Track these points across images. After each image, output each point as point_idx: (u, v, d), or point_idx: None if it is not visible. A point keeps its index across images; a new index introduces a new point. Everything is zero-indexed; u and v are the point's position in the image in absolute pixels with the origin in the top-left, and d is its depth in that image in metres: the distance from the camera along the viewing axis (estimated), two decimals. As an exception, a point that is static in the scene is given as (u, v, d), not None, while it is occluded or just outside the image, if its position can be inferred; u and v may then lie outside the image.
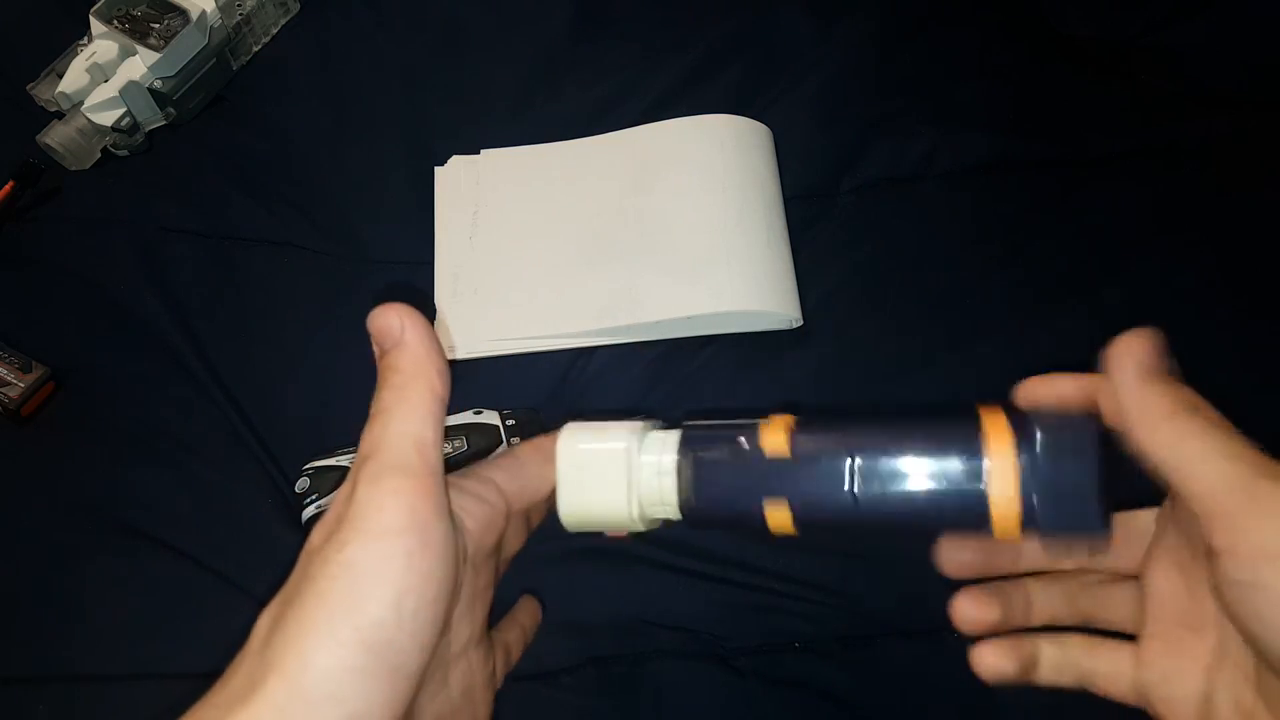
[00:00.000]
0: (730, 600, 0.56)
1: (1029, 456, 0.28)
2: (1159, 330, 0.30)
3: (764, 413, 0.33)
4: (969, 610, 0.32)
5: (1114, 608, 0.33)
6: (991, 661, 0.31)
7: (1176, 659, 0.30)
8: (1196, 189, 0.69)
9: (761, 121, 0.70)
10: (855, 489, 0.30)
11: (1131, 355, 0.29)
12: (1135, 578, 0.32)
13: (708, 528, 0.33)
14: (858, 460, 0.30)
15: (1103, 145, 0.71)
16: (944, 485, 0.29)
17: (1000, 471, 0.28)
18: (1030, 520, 0.28)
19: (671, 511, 0.31)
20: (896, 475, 0.29)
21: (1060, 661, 0.33)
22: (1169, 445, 0.27)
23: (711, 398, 0.62)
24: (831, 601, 0.55)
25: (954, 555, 0.33)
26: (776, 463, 0.30)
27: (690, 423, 0.32)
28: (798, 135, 0.71)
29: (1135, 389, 0.28)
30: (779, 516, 0.30)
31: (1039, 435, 0.28)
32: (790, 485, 0.30)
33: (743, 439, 0.31)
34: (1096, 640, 0.33)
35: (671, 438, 0.32)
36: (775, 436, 0.31)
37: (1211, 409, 0.28)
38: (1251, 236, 0.67)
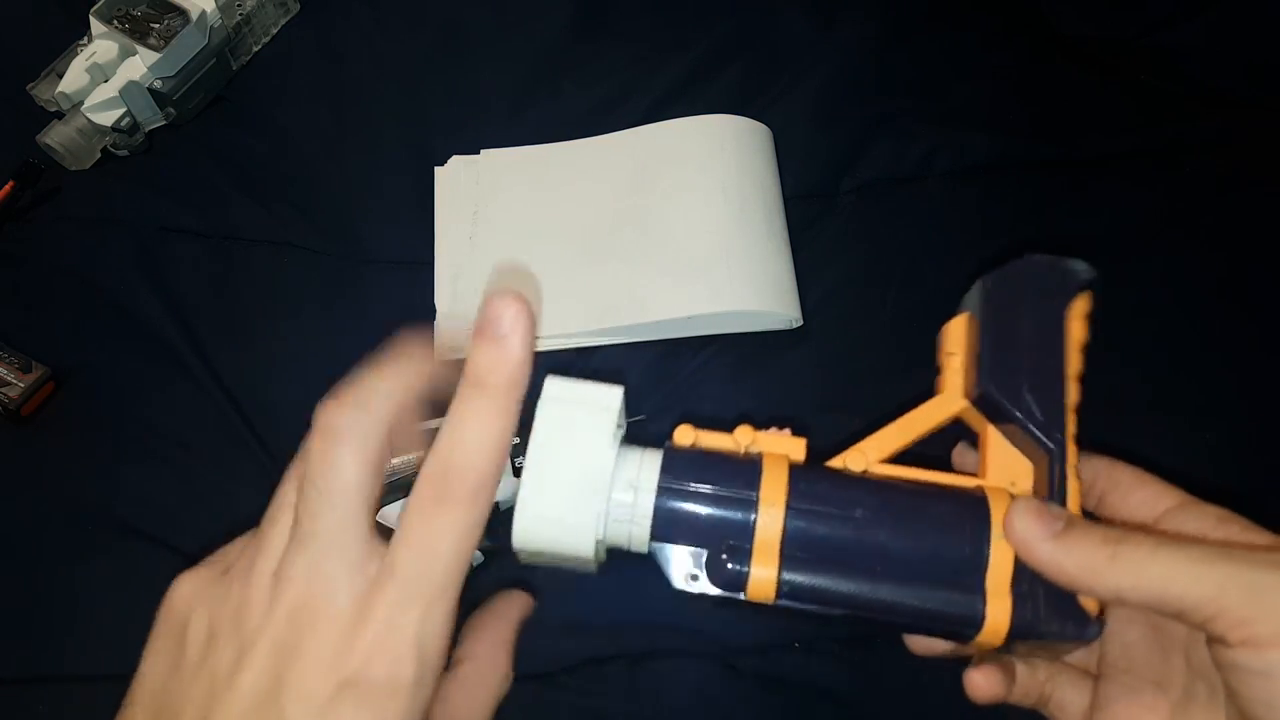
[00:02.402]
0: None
1: (1019, 632, 0.28)
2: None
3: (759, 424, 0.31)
4: (923, 640, 0.32)
5: None
6: (984, 685, 0.31)
7: (1136, 709, 0.30)
8: (1197, 189, 0.69)
9: (761, 121, 0.70)
10: (844, 615, 0.30)
11: (1028, 528, 0.28)
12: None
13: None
14: (848, 608, 0.29)
15: (1103, 145, 0.71)
16: (928, 630, 0.30)
17: (989, 637, 0.29)
18: (1021, 634, 0.29)
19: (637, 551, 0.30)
20: (885, 624, 0.30)
21: (1027, 682, 0.33)
22: (1133, 579, 0.27)
23: (711, 398, 0.62)
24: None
25: (927, 643, 0.33)
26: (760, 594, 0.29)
27: (670, 486, 0.29)
28: (798, 135, 0.71)
29: (1056, 553, 0.28)
30: (759, 597, 0.30)
31: (1033, 622, 0.28)
32: (770, 608, 0.30)
33: (726, 565, 0.29)
34: (1059, 667, 0.33)
35: (647, 497, 0.29)
36: (762, 579, 0.29)
37: (1131, 528, 0.29)
38: (1252, 236, 0.67)
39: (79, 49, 0.70)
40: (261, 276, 0.67)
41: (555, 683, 0.54)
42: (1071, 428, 0.30)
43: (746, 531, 0.29)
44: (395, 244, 0.68)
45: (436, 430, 0.55)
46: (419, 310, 0.65)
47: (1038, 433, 0.30)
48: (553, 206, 0.69)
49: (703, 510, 0.29)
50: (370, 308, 0.66)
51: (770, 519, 0.29)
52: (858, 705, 0.53)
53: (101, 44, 0.69)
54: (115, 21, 0.69)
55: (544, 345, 0.64)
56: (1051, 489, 0.30)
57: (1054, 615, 0.28)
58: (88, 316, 0.65)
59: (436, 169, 0.71)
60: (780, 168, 0.70)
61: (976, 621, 0.28)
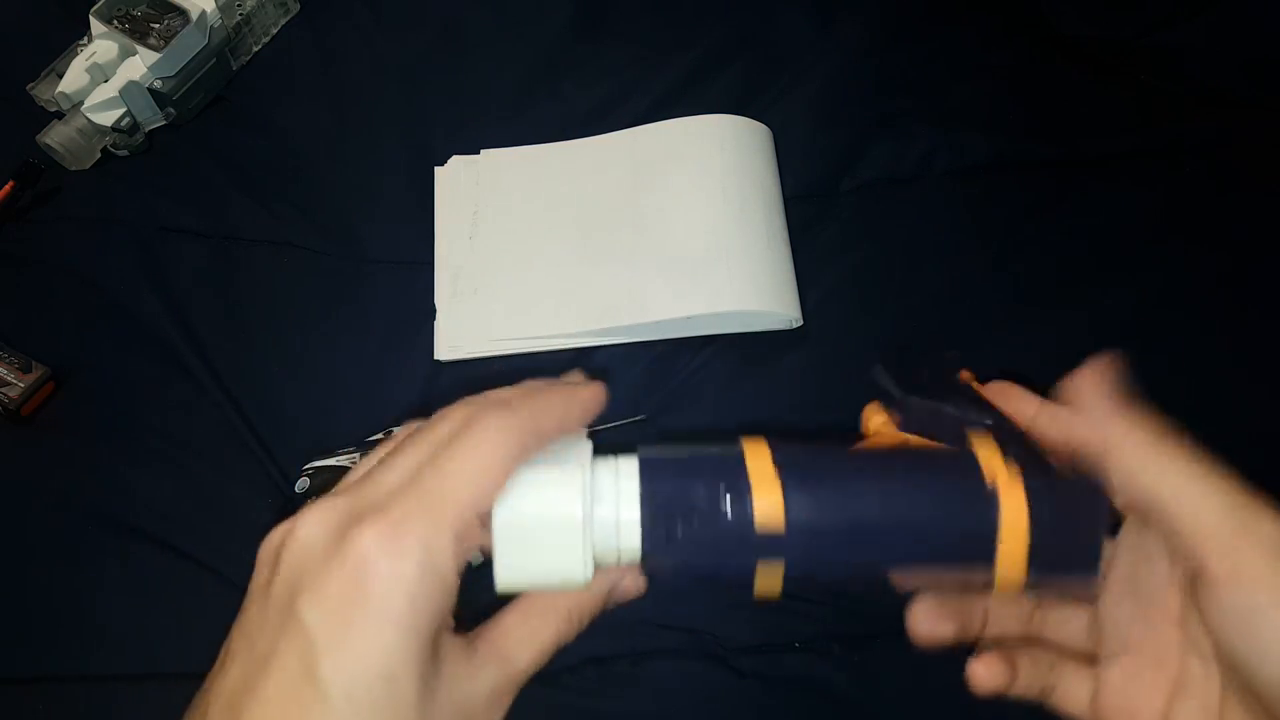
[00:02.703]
0: (730, 600, 0.56)
1: (1040, 526, 0.27)
2: (1121, 356, 0.30)
3: (743, 427, 0.30)
4: (926, 623, 0.32)
5: (1065, 630, 0.33)
6: (987, 675, 0.31)
7: (1136, 687, 0.30)
8: (1196, 189, 0.69)
9: (761, 121, 0.70)
10: (857, 557, 0.29)
11: (1099, 384, 0.29)
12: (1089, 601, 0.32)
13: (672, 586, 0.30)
14: (861, 529, 0.28)
15: (1103, 145, 0.71)
16: (950, 555, 0.29)
17: (1012, 540, 0.28)
18: (1040, 508, 0.28)
19: (630, 558, 0.29)
20: (902, 544, 0.28)
21: (1030, 674, 0.33)
22: (1150, 477, 0.27)
23: (711, 398, 0.62)
24: (832, 601, 0.55)
25: (930, 627, 0.32)
26: (769, 537, 0.27)
27: (649, 457, 0.29)
28: (798, 135, 0.71)
29: (1107, 421, 0.28)
30: (768, 583, 0.28)
31: (1053, 511, 0.28)
32: (785, 553, 0.28)
33: (728, 504, 0.27)
34: (1060, 657, 0.33)
35: (630, 484, 0.28)
36: (768, 503, 0.27)
37: (1183, 437, 0.29)
38: (1252, 236, 0.67)
39: (79, 49, 0.70)
40: (261, 276, 0.67)
41: (555, 683, 0.54)
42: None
43: (739, 469, 0.28)
44: (395, 244, 0.68)
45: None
46: (419, 310, 0.65)
47: (977, 417, 0.30)
48: (553, 206, 0.69)
49: (690, 477, 0.28)
50: (370, 308, 0.66)
51: (759, 455, 0.28)
52: (858, 705, 0.53)
53: (101, 44, 0.69)
54: (115, 21, 0.69)
55: (544, 345, 0.64)
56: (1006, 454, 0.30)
57: (1063, 472, 0.28)
58: (88, 316, 0.65)
59: (436, 169, 0.71)
60: (780, 168, 0.70)
61: (992, 498, 0.27)
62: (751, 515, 0.27)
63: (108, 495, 0.59)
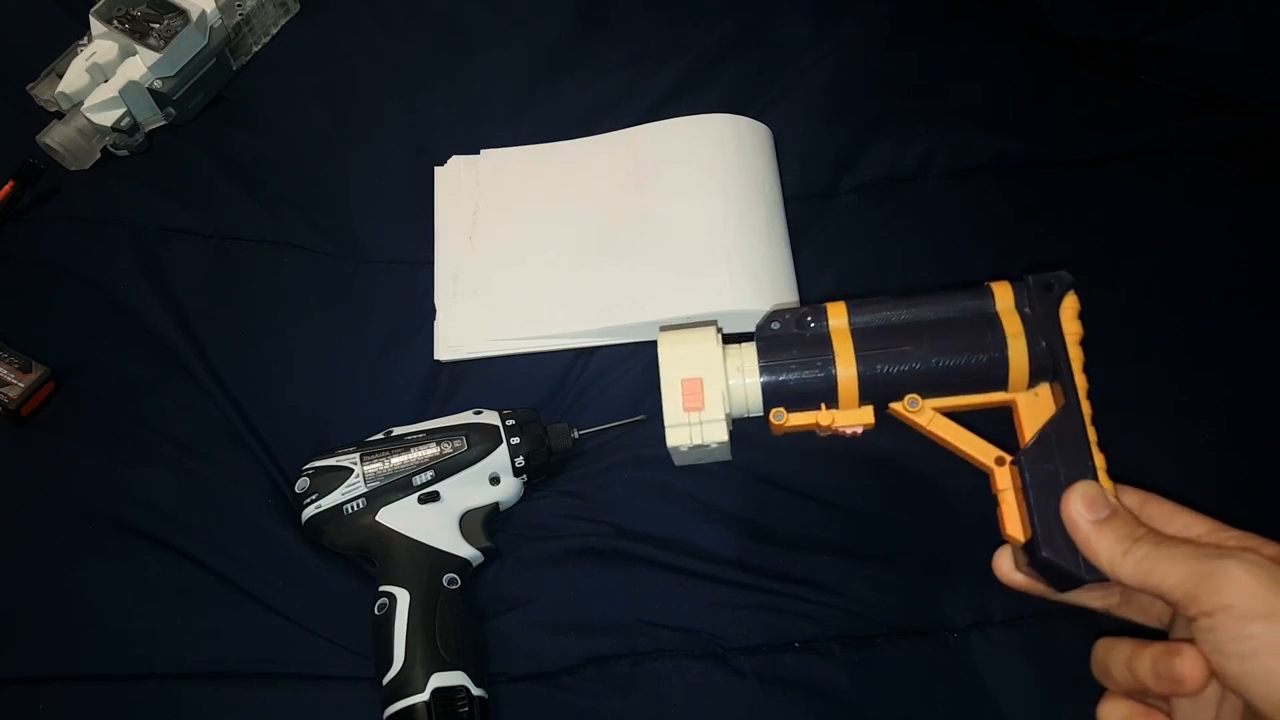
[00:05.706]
0: (730, 600, 0.56)
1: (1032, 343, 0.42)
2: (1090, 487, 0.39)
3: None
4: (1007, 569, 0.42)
5: (1148, 615, 0.42)
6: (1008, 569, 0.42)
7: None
8: (1197, 189, 0.69)
9: (761, 121, 0.70)
10: (905, 355, 0.43)
11: (1078, 514, 0.38)
12: None
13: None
14: (900, 332, 0.44)
15: (1103, 145, 0.71)
16: (970, 352, 0.43)
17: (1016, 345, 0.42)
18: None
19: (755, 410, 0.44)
20: (933, 345, 0.43)
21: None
22: (1132, 571, 0.36)
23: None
24: (831, 601, 0.55)
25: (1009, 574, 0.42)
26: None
27: (765, 341, 0.44)
28: (798, 135, 0.71)
29: (1092, 539, 0.38)
30: (848, 392, 0.43)
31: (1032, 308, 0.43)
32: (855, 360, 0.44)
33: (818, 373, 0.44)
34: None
35: (750, 358, 0.44)
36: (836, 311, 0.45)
37: (1145, 525, 0.38)
38: (1251, 236, 0.67)
39: (79, 49, 0.70)
40: (261, 276, 0.67)
41: (555, 683, 0.54)
42: (1081, 382, 0.41)
43: (820, 312, 0.45)
44: (395, 244, 0.68)
45: (436, 428, 0.56)
46: (419, 310, 0.65)
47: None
48: (552, 206, 0.69)
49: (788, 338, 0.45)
50: (370, 308, 0.66)
51: (836, 310, 0.45)
52: (858, 705, 0.53)
53: (101, 44, 0.69)
54: (115, 21, 0.69)
55: (544, 345, 0.64)
56: (1070, 402, 0.41)
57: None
58: (88, 316, 0.65)
59: (436, 169, 0.71)
60: (780, 168, 0.70)
61: (996, 319, 0.43)
62: (825, 317, 0.45)
63: (108, 495, 0.59)
